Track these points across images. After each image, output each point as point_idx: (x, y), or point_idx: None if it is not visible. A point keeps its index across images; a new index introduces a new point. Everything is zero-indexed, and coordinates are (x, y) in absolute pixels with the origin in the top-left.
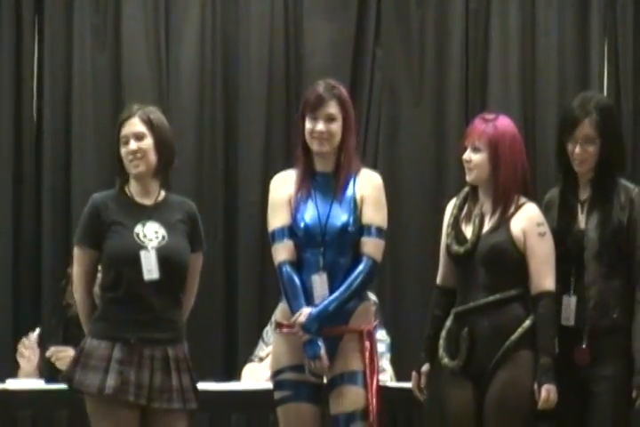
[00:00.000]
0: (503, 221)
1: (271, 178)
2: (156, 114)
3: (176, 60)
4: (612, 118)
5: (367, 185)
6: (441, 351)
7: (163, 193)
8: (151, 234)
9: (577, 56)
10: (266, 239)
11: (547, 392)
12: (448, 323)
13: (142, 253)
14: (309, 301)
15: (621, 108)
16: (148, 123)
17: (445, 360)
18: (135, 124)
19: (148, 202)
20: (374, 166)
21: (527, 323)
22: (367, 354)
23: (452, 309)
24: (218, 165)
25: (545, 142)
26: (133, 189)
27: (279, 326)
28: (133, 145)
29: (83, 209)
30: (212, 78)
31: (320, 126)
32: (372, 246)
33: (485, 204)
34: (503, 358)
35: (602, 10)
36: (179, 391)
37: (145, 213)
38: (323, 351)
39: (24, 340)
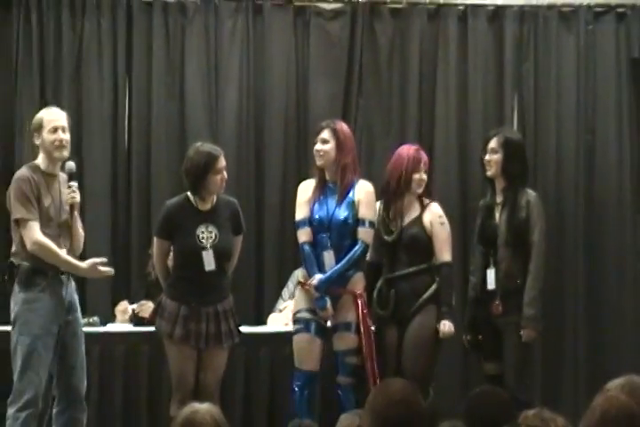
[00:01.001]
0: (417, 217)
1: (288, 187)
2: None
3: (222, 109)
4: (513, 140)
5: (362, 191)
6: (374, 305)
7: (215, 198)
8: (208, 235)
9: (496, 104)
10: (284, 226)
11: (444, 325)
12: (378, 285)
13: (203, 253)
14: (321, 269)
15: (526, 139)
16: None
17: (378, 311)
18: (223, 161)
19: (205, 207)
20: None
21: (433, 287)
22: (359, 310)
23: (379, 276)
24: (250, 179)
25: (472, 165)
26: (197, 199)
27: (301, 284)
28: (226, 176)
29: (159, 211)
30: (247, 121)
31: (317, 146)
32: (364, 234)
33: (406, 204)
34: (417, 309)
35: (512, 72)
36: (226, 334)
37: (203, 217)
38: (329, 304)
39: (120, 304)
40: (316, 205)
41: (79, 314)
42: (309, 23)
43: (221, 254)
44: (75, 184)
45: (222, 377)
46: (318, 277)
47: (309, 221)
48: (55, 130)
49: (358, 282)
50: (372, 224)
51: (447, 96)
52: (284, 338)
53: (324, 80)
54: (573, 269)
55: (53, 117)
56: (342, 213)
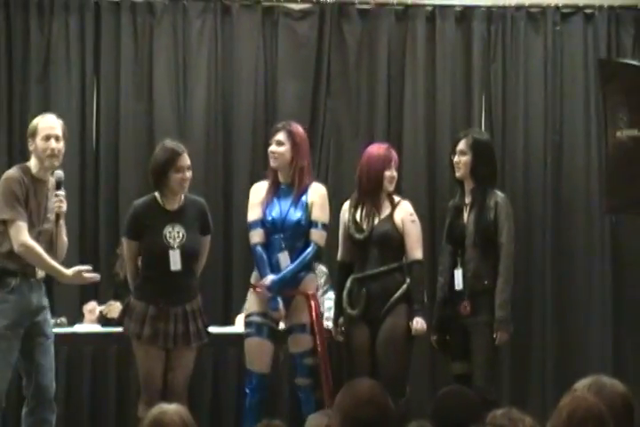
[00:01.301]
0: (388, 216)
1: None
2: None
3: (191, 109)
4: (482, 141)
5: (316, 194)
6: (345, 305)
7: (183, 197)
8: (176, 234)
9: (464, 105)
10: None
11: (416, 322)
12: (348, 285)
13: (170, 252)
14: (274, 271)
15: (494, 140)
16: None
17: (348, 310)
18: (187, 159)
19: (173, 207)
20: (326, 180)
21: (404, 286)
22: (313, 311)
23: (348, 276)
24: (218, 179)
25: (440, 165)
26: (163, 198)
27: (253, 286)
28: (189, 175)
29: (126, 211)
30: (215, 121)
31: (272, 148)
32: (317, 236)
33: (376, 204)
34: (389, 309)
35: (480, 73)
36: (194, 334)
37: (170, 217)
38: (281, 306)
39: (88, 303)
40: (269, 207)
41: (49, 316)
42: (277, 23)
43: (189, 254)
44: (62, 193)
45: (190, 377)
46: (271, 278)
47: (262, 223)
48: (48, 138)
49: (310, 283)
50: (324, 226)
51: (415, 97)
52: None
53: (292, 80)
54: (541, 270)
55: (47, 125)
56: (296, 214)
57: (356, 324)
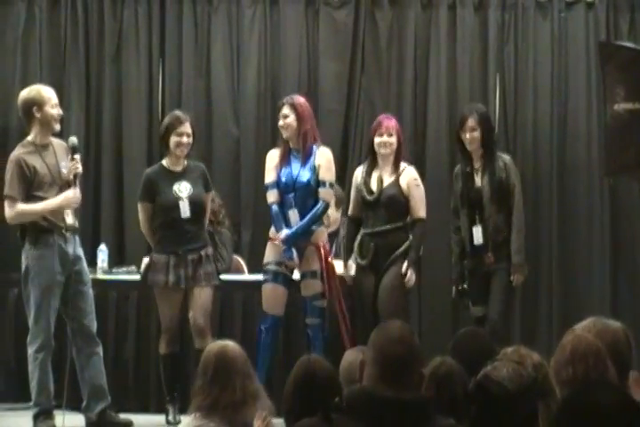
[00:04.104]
0: (394, 180)
1: None
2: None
3: (244, 87)
4: (484, 115)
5: (323, 157)
6: (355, 255)
7: (185, 162)
8: (183, 189)
9: (481, 82)
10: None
11: (409, 280)
12: (359, 238)
13: (180, 202)
14: (287, 225)
15: (507, 112)
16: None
17: (358, 260)
18: (188, 127)
19: (177, 169)
20: (360, 149)
21: (407, 243)
22: (323, 259)
23: (358, 229)
24: (267, 147)
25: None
26: (169, 163)
27: (270, 238)
28: (185, 140)
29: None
30: (265, 97)
31: (280, 122)
32: (325, 194)
33: (384, 169)
34: (392, 262)
35: (495, 54)
36: (205, 275)
37: (177, 176)
38: (295, 255)
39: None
40: (283, 170)
41: (84, 265)
42: (319, 12)
43: (196, 204)
44: (77, 157)
45: (210, 317)
46: (285, 232)
47: (277, 184)
48: (56, 105)
49: (321, 235)
50: (331, 185)
51: (438, 75)
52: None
53: (331, 61)
54: (548, 223)
55: (52, 95)
56: (305, 176)
57: (364, 272)
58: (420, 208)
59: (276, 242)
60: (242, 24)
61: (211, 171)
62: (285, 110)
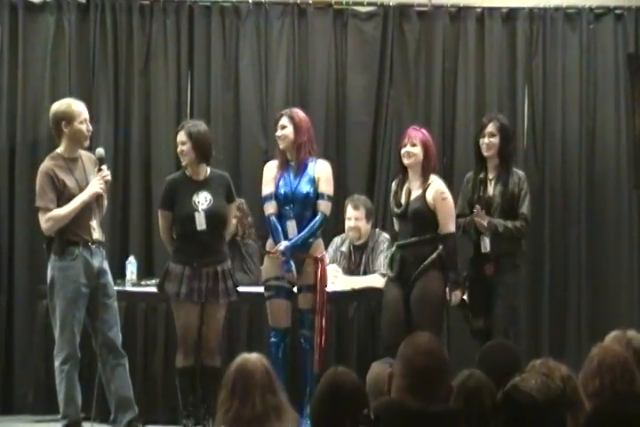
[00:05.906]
0: (422, 192)
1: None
2: (196, 127)
3: (272, 99)
4: (507, 125)
5: (322, 170)
6: (386, 267)
7: (208, 170)
8: (202, 200)
9: (509, 94)
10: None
11: (455, 296)
12: (393, 250)
13: (196, 214)
14: (286, 237)
15: (535, 125)
16: (189, 134)
17: (388, 272)
18: (181, 136)
19: (199, 178)
20: (388, 161)
21: (434, 255)
22: (319, 273)
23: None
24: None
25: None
26: (190, 171)
27: (267, 252)
28: (179, 148)
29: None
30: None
31: (277, 133)
32: (324, 206)
33: (413, 181)
34: (419, 274)
35: (524, 66)
36: (223, 291)
37: (198, 186)
38: (293, 268)
39: None
40: (281, 182)
41: (110, 277)
42: (347, 24)
43: (212, 216)
44: (104, 167)
45: (221, 332)
46: (284, 243)
47: (275, 196)
48: (85, 121)
49: (318, 248)
50: (329, 198)
51: (467, 87)
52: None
53: (359, 73)
54: (576, 237)
55: (82, 109)
56: (304, 188)
57: (391, 284)
58: (447, 223)
59: (272, 255)
60: (270, 36)
61: (238, 183)
62: (284, 121)
